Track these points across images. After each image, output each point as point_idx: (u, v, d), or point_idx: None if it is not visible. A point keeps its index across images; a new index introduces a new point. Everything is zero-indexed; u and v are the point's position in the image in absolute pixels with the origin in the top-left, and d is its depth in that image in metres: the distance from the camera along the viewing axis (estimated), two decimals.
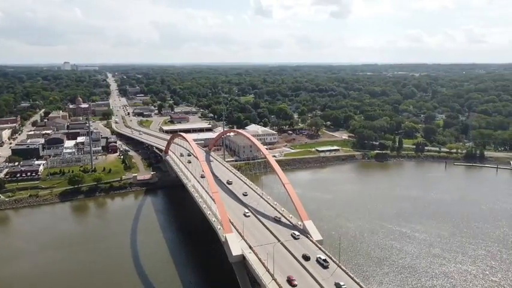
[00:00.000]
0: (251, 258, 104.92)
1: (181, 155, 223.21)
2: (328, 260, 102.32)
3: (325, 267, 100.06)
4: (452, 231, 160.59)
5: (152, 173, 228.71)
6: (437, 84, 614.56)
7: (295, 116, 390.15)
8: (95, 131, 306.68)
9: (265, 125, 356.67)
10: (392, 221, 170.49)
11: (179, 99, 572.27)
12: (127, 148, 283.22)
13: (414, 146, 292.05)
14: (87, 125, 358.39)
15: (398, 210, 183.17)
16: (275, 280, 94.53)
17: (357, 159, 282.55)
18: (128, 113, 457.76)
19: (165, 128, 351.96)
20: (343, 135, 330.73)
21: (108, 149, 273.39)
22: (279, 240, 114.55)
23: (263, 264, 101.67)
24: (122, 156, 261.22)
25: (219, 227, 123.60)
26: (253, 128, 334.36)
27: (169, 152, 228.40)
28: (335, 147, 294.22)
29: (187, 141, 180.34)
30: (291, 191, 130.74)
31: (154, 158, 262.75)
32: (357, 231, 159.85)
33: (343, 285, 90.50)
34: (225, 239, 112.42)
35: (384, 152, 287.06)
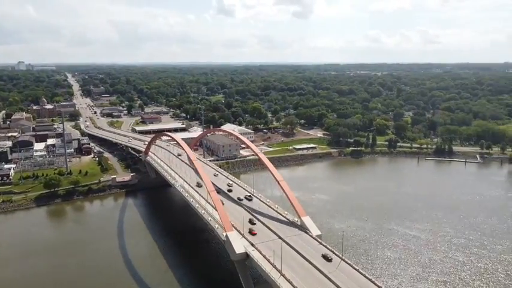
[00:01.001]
0: (255, 255, 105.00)
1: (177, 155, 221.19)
2: (332, 255, 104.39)
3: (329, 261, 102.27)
4: (437, 222, 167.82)
5: (132, 174, 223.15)
6: (401, 83, 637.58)
7: (269, 115, 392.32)
8: (65, 132, 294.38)
9: (240, 124, 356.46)
10: (379, 216, 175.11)
11: (147, 99, 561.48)
12: (101, 150, 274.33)
13: (387, 143, 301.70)
14: (55, 126, 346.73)
15: (380, 205, 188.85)
16: (284, 276, 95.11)
17: (333, 157, 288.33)
18: (95, 112, 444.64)
19: (138, 128, 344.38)
20: (318, 133, 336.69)
21: (82, 151, 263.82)
22: (280, 237, 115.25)
23: (268, 260, 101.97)
24: (97, 158, 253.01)
25: (216, 226, 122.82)
26: (229, 127, 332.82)
27: (150, 153, 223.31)
28: (312, 145, 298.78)
29: (176, 141, 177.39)
30: (286, 188, 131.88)
31: (131, 159, 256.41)
32: (343, 227, 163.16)
33: None
34: (226, 237, 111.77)
35: (359, 149, 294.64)
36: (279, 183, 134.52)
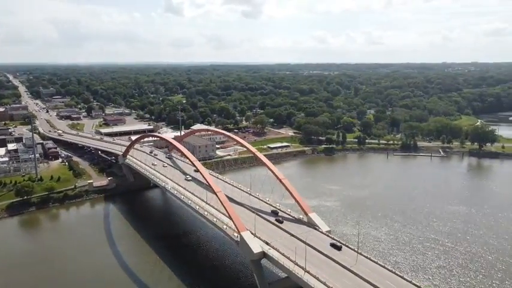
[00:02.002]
0: (274, 254, 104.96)
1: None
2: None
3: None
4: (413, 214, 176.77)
5: (109, 178, 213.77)
6: (357, 82, 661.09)
7: (237, 114, 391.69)
8: (26, 136, 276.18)
9: (209, 125, 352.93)
10: (363, 210, 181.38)
11: (104, 100, 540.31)
12: (69, 154, 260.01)
13: (356, 140, 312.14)
14: (11, 130, 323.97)
15: (364, 197, 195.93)
16: (308, 272, 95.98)
17: (307, 154, 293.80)
18: (50, 115, 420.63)
19: (104, 130, 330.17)
20: (289, 132, 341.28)
21: (48, 155, 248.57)
22: (292, 235, 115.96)
23: (289, 258, 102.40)
24: (66, 163, 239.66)
25: (224, 227, 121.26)
26: (201, 127, 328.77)
27: (128, 156, 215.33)
28: (285, 144, 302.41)
29: (169, 142, 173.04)
30: (289, 185, 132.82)
31: (104, 162, 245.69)
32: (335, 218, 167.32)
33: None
34: (240, 238, 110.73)
35: (331, 146, 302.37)
36: (281, 181, 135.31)
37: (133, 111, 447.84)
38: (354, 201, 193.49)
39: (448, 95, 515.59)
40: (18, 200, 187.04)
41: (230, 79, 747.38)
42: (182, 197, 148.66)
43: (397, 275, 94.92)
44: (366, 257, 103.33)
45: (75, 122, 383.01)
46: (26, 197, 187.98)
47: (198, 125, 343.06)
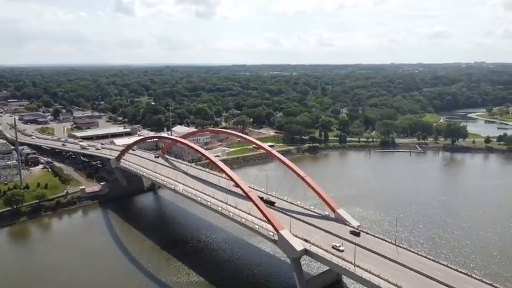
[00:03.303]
0: (318, 251, 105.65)
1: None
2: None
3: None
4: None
5: (101, 183, 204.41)
6: (323, 83, 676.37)
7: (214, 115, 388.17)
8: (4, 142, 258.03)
9: (187, 126, 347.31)
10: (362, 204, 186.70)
11: (67, 103, 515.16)
12: (49, 160, 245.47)
13: (337, 138, 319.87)
14: None
15: (361, 193, 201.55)
16: (359, 266, 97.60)
17: (292, 153, 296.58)
18: (12, 119, 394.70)
19: (78, 134, 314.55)
20: (270, 132, 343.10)
21: (28, 161, 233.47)
22: (328, 232, 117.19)
23: (333, 254, 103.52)
24: (49, 169, 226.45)
25: (256, 226, 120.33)
26: (182, 129, 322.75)
27: (122, 160, 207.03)
28: (270, 144, 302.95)
29: (189, 145, 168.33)
30: (313, 183, 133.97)
31: (90, 167, 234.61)
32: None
33: None
34: (279, 236, 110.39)
35: (314, 145, 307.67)
36: (303, 179, 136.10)
37: (103, 114, 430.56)
38: (351, 197, 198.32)
39: (411, 94, 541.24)
40: (7, 210, 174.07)
41: (195, 80, 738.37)
42: (199, 198, 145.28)
43: (434, 260, 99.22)
44: (405, 248, 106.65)
45: (43, 126, 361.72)
46: (15, 206, 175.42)
47: (178, 126, 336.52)
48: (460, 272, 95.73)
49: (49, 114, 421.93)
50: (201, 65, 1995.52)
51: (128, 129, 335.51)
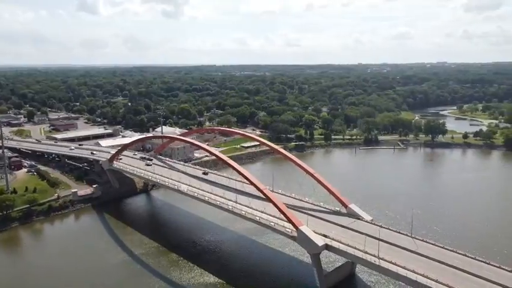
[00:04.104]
0: (340, 245, 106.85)
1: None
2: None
3: None
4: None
5: (94, 186, 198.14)
6: (299, 82, 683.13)
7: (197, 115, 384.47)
8: None
9: (170, 126, 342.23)
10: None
11: (38, 105, 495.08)
12: (32, 163, 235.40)
13: (323, 136, 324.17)
14: None
15: (362, 190, 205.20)
16: (383, 259, 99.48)
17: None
18: None
19: (58, 136, 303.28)
20: (255, 131, 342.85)
21: (11, 165, 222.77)
22: (344, 227, 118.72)
23: (355, 248, 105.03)
24: (34, 173, 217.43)
25: (272, 224, 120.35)
26: (166, 129, 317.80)
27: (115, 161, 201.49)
28: (257, 143, 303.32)
29: (197, 145, 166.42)
30: (323, 179, 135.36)
31: (78, 170, 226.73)
32: None
33: None
34: (299, 233, 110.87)
35: (300, 143, 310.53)
36: (312, 175, 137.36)
37: (80, 115, 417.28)
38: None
39: (385, 92, 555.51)
40: None
41: (170, 80, 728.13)
42: (207, 198, 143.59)
43: (451, 250, 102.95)
44: (422, 240, 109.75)
45: (19, 128, 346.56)
46: (6, 212, 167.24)
47: (162, 126, 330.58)
48: (478, 260, 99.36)
49: (22, 116, 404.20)
50: (168, 65, 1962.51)
51: (110, 131, 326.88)
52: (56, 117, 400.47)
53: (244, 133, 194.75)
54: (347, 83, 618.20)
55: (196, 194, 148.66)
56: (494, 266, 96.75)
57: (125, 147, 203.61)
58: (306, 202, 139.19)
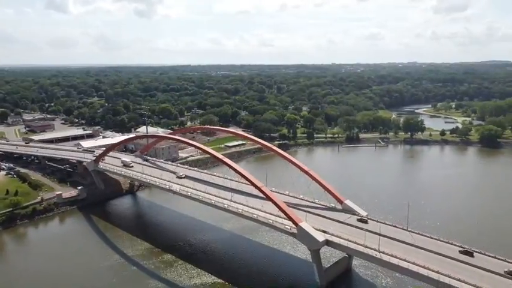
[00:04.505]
0: (341, 241, 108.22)
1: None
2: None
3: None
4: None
5: (79, 188, 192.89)
6: (277, 82, 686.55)
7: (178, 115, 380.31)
8: None
9: (153, 126, 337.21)
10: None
11: (10, 105, 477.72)
12: (11, 165, 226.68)
13: (305, 135, 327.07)
14: None
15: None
16: (384, 252, 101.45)
17: (264, 151, 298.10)
18: None
19: (36, 138, 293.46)
20: (238, 130, 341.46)
21: None
22: (341, 222, 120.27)
23: (355, 242, 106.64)
24: (14, 175, 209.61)
25: (270, 221, 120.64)
26: (150, 129, 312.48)
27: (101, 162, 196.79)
28: (241, 142, 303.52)
29: (191, 144, 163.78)
30: (317, 176, 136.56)
31: (60, 172, 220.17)
32: None
33: None
34: (299, 229, 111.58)
35: (284, 142, 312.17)
36: (307, 172, 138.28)
37: (56, 116, 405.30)
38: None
39: (362, 91, 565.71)
40: None
41: (147, 80, 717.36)
42: (200, 197, 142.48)
43: (446, 242, 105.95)
44: (417, 233, 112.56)
45: None
46: None
47: (144, 127, 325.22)
48: (474, 250, 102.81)
49: None
50: (142, 65, 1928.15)
51: (89, 131, 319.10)
52: (31, 118, 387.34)
53: (236, 132, 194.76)
54: (324, 83, 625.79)
55: (189, 193, 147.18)
56: (489, 255, 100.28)
57: (112, 147, 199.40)
58: (301, 199, 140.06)
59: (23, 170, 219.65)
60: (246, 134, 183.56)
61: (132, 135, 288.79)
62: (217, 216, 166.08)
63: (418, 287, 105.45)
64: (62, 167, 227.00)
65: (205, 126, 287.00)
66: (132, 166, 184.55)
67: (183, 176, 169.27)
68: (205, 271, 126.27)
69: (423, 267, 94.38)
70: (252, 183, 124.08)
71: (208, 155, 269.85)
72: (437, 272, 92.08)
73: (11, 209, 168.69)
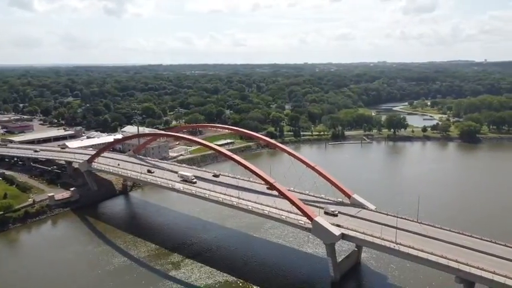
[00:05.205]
0: (357, 234, 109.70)
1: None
2: None
3: None
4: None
5: (71, 189, 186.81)
6: (258, 81, 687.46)
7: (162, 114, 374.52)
8: None
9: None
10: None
11: None
12: None
13: (292, 133, 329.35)
14: None
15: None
16: (401, 244, 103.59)
17: (253, 149, 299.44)
18: None
19: (16, 139, 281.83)
20: (225, 129, 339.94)
21: None
22: (353, 216, 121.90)
23: (372, 235, 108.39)
24: (0, 178, 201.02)
25: (283, 216, 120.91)
26: (133, 129, 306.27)
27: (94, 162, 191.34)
28: (229, 140, 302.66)
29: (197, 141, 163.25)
30: (324, 172, 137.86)
31: (48, 173, 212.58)
32: None
33: None
34: (314, 224, 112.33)
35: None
36: (313, 168, 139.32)
37: (33, 117, 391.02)
38: None
39: (341, 90, 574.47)
40: None
41: (123, 79, 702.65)
42: (206, 195, 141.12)
43: (458, 232, 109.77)
44: (428, 224, 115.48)
45: None
46: None
47: (129, 126, 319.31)
48: (485, 240, 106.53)
49: None
50: (110, 64, 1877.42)
51: (72, 132, 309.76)
52: (7, 119, 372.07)
53: (237, 129, 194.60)
54: (304, 81, 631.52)
55: (194, 191, 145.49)
56: (500, 244, 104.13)
57: (106, 147, 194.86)
58: (307, 194, 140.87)
59: (8, 172, 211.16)
60: (253, 133, 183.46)
61: (119, 135, 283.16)
62: (217, 214, 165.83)
63: None
64: (49, 168, 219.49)
65: (210, 124, 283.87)
66: (196, 182, 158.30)
67: (218, 174, 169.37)
68: (216, 269, 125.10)
69: (441, 256, 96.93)
70: (264, 180, 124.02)
71: (201, 154, 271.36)
72: (456, 261, 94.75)
73: (2, 212, 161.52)
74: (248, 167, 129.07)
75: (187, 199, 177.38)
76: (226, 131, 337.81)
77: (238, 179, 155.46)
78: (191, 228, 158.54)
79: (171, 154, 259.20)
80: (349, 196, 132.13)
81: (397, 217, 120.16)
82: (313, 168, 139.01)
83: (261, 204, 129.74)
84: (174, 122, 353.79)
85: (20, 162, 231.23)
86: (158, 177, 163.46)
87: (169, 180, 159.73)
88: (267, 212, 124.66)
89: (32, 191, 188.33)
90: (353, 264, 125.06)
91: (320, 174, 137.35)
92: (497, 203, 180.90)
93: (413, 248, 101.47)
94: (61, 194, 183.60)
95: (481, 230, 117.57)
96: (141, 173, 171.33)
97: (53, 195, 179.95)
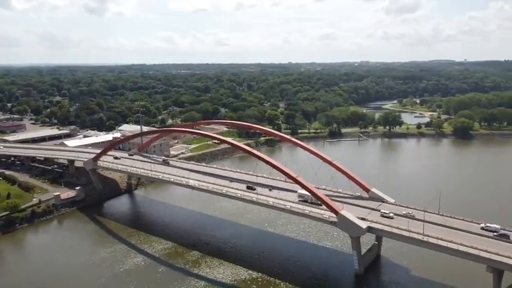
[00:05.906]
0: (385, 227, 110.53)
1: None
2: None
3: None
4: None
5: (77, 188, 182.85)
6: (248, 80, 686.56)
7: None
8: None
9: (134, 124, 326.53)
10: None
11: None
12: None
13: (289, 130, 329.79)
14: None
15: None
16: (429, 235, 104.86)
17: (251, 147, 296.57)
18: None
19: (11, 138, 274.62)
20: (222, 127, 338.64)
21: None
22: (374, 209, 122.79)
23: (397, 227, 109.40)
24: (0, 177, 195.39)
25: (307, 211, 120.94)
26: (131, 127, 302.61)
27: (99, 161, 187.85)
28: (228, 139, 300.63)
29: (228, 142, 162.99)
30: (342, 166, 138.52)
31: (50, 172, 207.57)
32: None
33: None
34: (340, 217, 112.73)
35: (270, 138, 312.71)
36: (330, 163, 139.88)
37: (23, 116, 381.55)
38: None
39: (332, 88, 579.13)
40: None
41: (111, 79, 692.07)
42: (224, 190, 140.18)
43: (475, 222, 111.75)
44: (450, 216, 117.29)
45: None
46: None
47: (126, 125, 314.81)
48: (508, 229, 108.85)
49: None
50: (92, 64, 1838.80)
51: (67, 131, 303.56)
52: None
53: (251, 125, 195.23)
54: (294, 80, 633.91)
55: (211, 188, 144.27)
56: None
57: (112, 145, 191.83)
58: (325, 189, 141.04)
59: (7, 172, 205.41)
60: (266, 129, 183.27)
61: (117, 133, 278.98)
62: (228, 211, 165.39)
63: None
64: (50, 168, 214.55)
65: (222, 121, 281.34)
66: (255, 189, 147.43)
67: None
68: (238, 266, 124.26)
69: (471, 247, 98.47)
70: (287, 175, 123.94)
71: (202, 152, 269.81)
72: (486, 251, 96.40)
73: (8, 212, 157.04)
74: (272, 163, 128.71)
75: (192, 196, 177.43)
76: (225, 128, 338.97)
77: (251, 175, 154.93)
78: (204, 225, 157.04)
79: (172, 152, 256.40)
80: (367, 190, 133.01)
81: (418, 210, 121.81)
82: (330, 163, 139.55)
83: (281, 199, 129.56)
84: (170, 121, 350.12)
85: (18, 162, 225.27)
86: (171, 175, 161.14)
87: (182, 177, 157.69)
88: (288, 207, 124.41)
89: (35, 190, 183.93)
90: (374, 257, 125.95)
91: (338, 169, 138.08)
92: (507, 195, 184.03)
93: (442, 239, 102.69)
94: (66, 193, 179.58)
95: (494, 219, 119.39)
96: (151, 170, 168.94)
97: (59, 195, 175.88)
